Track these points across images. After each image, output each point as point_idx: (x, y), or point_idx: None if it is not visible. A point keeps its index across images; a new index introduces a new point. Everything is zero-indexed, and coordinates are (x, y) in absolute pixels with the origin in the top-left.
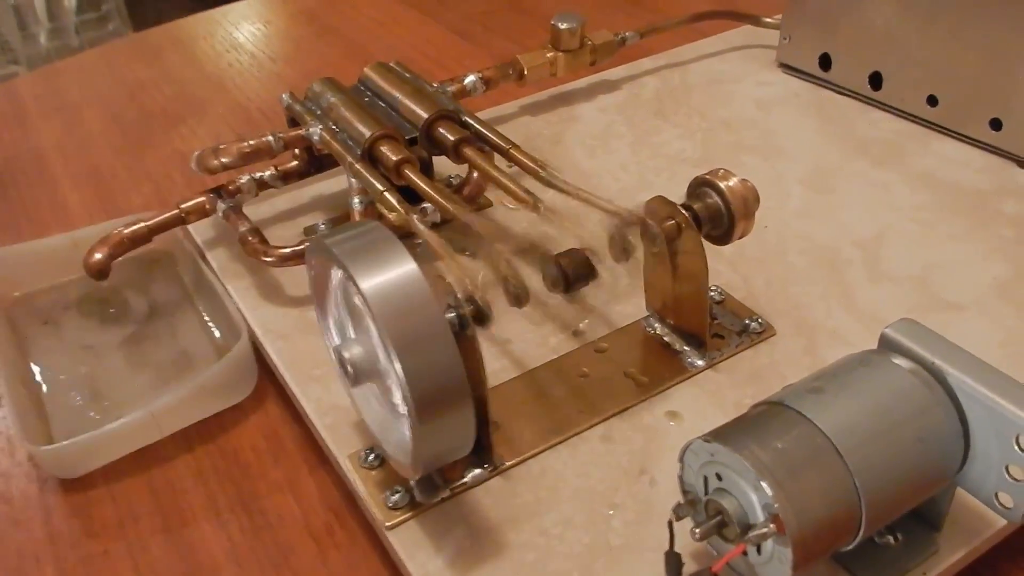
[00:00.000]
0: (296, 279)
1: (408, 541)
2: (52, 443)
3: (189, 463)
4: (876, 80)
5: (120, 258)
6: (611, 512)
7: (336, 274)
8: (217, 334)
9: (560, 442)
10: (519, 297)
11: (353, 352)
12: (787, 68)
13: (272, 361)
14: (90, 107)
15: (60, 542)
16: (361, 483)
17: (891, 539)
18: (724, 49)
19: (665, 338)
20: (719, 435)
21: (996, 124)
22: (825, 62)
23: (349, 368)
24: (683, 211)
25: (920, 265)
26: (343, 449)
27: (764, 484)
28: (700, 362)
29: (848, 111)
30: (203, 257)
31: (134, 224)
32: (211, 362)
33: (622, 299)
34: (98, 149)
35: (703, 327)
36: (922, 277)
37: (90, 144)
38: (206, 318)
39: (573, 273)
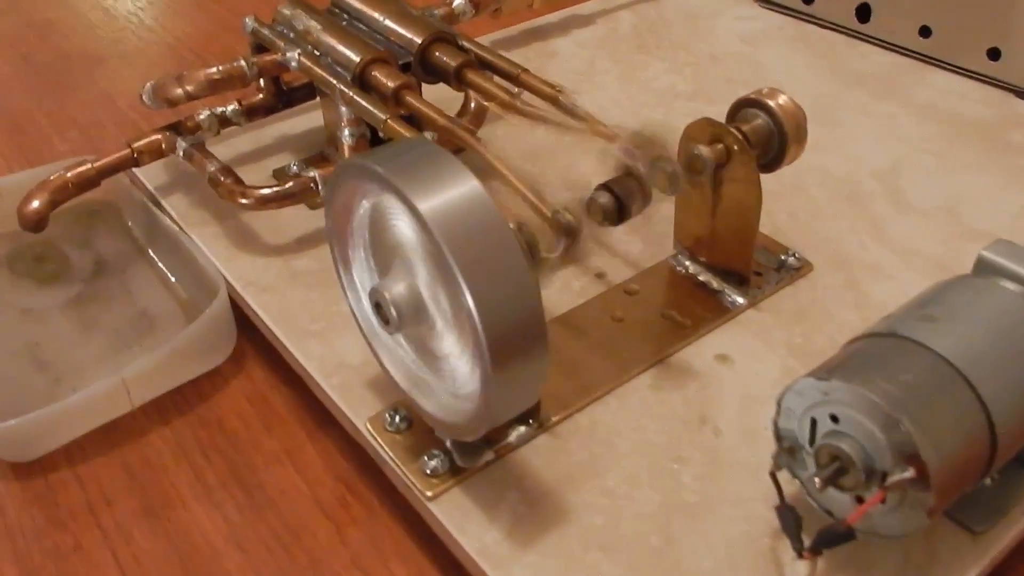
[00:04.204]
0: (272, 224)
1: (455, 512)
2: None
3: (166, 437)
4: (864, 12)
5: (56, 209)
6: (677, 466)
7: (365, 205)
8: (181, 290)
9: (606, 393)
10: (571, 229)
11: (394, 291)
12: (766, 2)
13: (258, 317)
14: None
15: (20, 536)
16: (389, 450)
17: (987, 480)
18: None
19: (699, 277)
20: (834, 371)
21: (994, 54)
22: None
23: (392, 312)
24: (735, 132)
25: (943, 196)
26: (360, 412)
27: (904, 421)
28: (742, 300)
29: (835, 45)
30: (157, 204)
31: (77, 167)
32: (177, 321)
33: (636, 237)
34: (10, 93)
35: (747, 263)
36: (948, 207)
37: (0, 87)
38: (166, 272)
39: (626, 198)
